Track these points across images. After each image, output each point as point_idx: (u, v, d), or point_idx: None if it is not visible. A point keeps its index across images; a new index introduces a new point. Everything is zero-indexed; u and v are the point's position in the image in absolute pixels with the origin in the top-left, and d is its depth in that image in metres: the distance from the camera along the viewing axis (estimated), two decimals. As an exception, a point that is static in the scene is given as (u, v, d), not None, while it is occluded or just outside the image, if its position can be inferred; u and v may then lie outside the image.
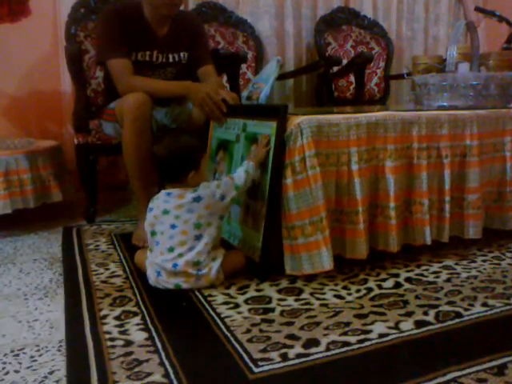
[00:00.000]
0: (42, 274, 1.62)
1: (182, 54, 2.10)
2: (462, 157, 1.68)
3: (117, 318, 1.28)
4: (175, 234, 1.43)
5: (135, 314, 1.30)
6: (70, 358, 1.09)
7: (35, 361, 1.09)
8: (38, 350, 1.13)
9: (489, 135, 1.74)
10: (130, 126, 1.80)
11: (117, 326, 1.23)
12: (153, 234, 1.48)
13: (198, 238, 1.43)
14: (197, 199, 1.44)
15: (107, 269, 1.63)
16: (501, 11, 3.14)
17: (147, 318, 1.27)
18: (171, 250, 1.43)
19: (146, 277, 1.49)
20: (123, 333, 1.20)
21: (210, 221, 1.45)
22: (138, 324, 1.24)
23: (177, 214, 1.43)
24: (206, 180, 1.55)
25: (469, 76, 1.90)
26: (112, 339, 1.17)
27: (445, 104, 1.86)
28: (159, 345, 1.13)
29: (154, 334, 1.19)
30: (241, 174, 1.50)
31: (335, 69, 2.93)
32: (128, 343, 1.15)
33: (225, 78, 2.50)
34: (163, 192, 1.50)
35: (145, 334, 1.19)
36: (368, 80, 3.16)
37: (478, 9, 3.34)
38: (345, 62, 2.96)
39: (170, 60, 2.08)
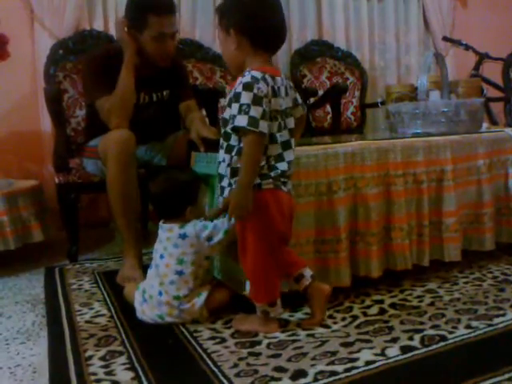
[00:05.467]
0: (24, 316, 1.60)
1: (164, 93, 2.14)
2: (438, 181, 1.73)
3: (102, 358, 1.26)
4: (161, 264, 1.46)
5: (121, 354, 1.28)
6: (54, 403, 1.07)
7: (19, 408, 1.07)
8: (22, 396, 1.11)
9: (462, 159, 1.79)
10: (114, 161, 1.80)
11: (102, 366, 1.22)
12: (154, 257, 1.51)
13: (179, 273, 1.44)
14: (182, 236, 1.45)
15: (91, 308, 1.61)
16: (467, 40, 3.28)
17: (133, 357, 1.26)
18: (156, 277, 1.46)
19: (131, 314, 1.49)
20: (109, 373, 1.18)
21: (195, 259, 1.45)
22: (123, 363, 1.23)
23: (165, 246, 1.46)
24: (203, 213, 1.56)
25: (440, 103, 1.97)
26: (98, 380, 1.15)
27: (419, 131, 1.91)
28: (146, 384, 1.12)
29: (141, 372, 1.18)
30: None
31: (312, 100, 3.00)
32: (114, 384, 1.13)
33: (204, 112, 2.54)
34: (160, 222, 1.52)
35: (131, 374, 1.17)
36: (344, 109, 3.23)
37: (445, 38, 3.49)
38: (321, 92, 3.03)
39: (154, 99, 2.12)
